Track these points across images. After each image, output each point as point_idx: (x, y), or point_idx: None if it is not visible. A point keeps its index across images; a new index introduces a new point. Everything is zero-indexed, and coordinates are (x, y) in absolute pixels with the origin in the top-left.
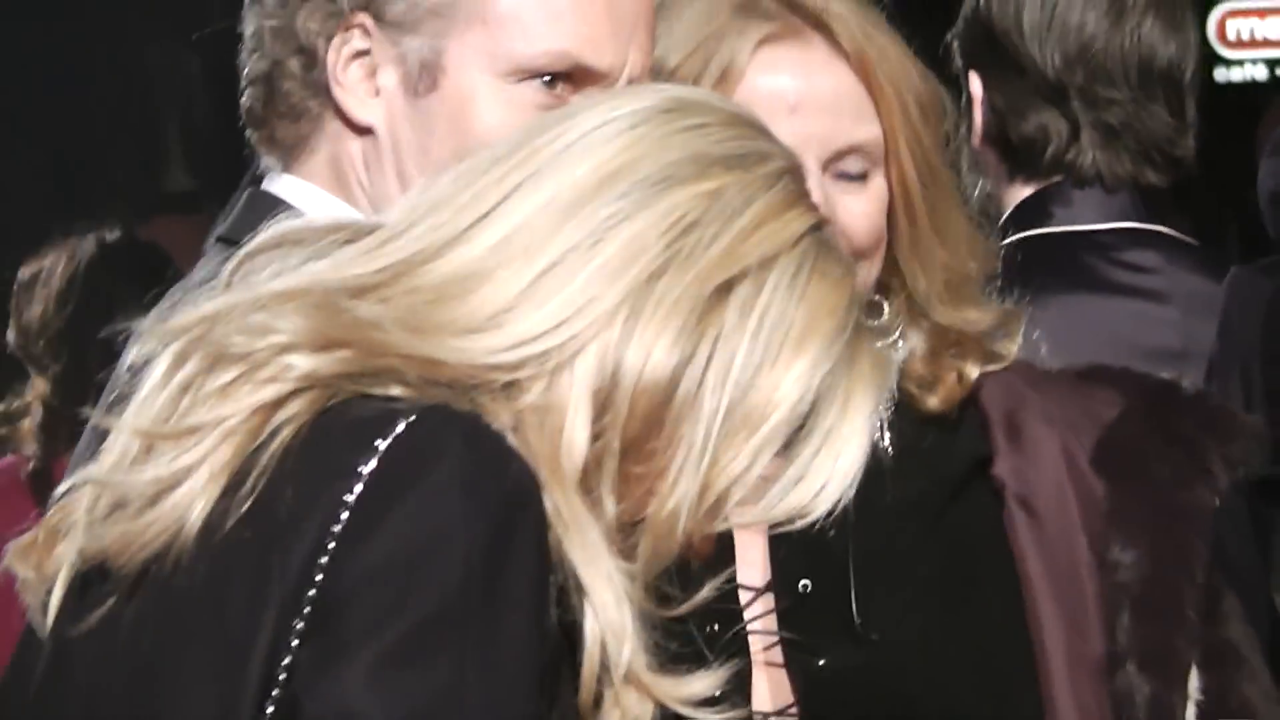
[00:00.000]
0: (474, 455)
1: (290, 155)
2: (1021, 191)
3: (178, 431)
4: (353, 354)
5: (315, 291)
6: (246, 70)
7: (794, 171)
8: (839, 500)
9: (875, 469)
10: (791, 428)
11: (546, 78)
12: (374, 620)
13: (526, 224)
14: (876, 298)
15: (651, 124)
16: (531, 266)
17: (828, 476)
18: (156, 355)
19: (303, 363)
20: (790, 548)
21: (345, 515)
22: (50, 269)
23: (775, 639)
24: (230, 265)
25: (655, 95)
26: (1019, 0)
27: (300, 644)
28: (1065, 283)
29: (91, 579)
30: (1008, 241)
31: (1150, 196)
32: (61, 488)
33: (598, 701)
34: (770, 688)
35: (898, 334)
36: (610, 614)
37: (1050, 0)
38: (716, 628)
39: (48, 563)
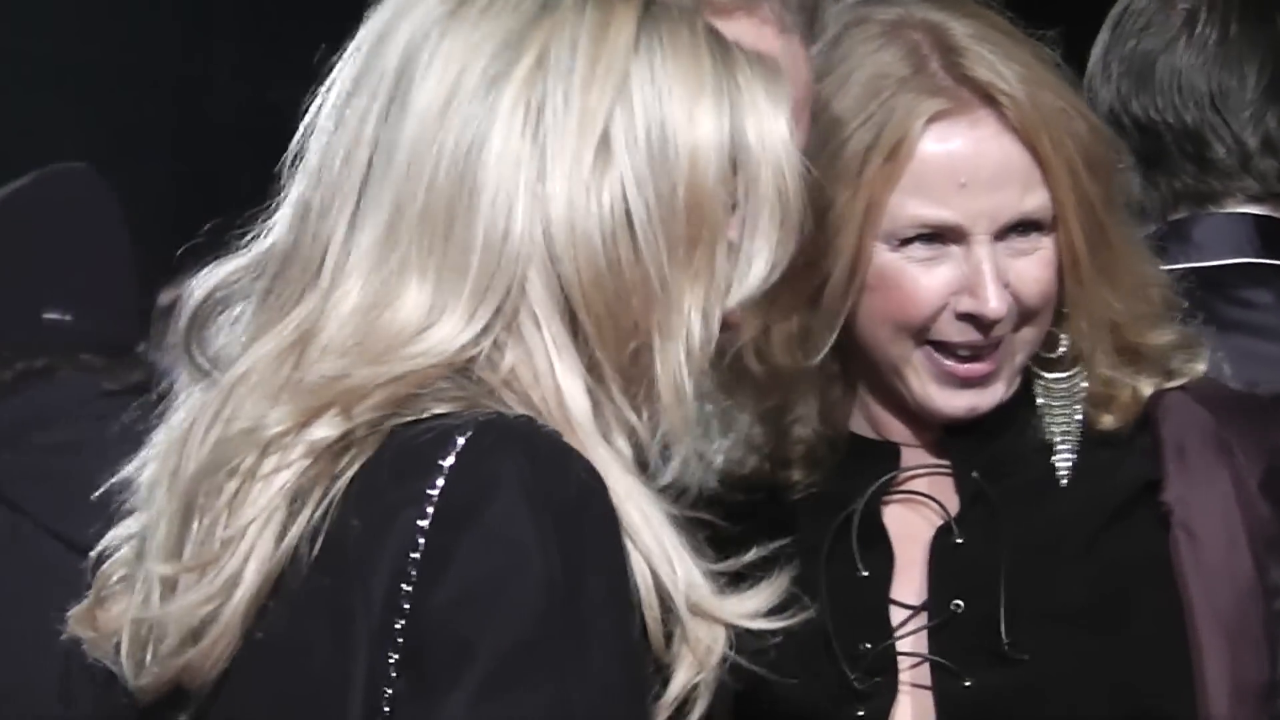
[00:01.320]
0: (534, 465)
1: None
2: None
3: (203, 560)
4: (339, 411)
5: (261, 373)
6: None
7: None
8: None
9: (1041, 487)
10: (724, 169)
11: None
12: (468, 647)
13: (398, 203)
14: (1052, 330)
15: (448, 36)
16: (429, 240)
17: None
18: (142, 491)
19: (303, 440)
20: (948, 565)
21: (421, 541)
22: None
23: (923, 659)
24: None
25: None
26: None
27: (397, 675)
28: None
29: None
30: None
31: (1270, 229)
32: (101, 548)
33: (669, 643)
34: (914, 707)
35: (1077, 369)
36: (652, 548)
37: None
38: (868, 645)
39: (106, 623)
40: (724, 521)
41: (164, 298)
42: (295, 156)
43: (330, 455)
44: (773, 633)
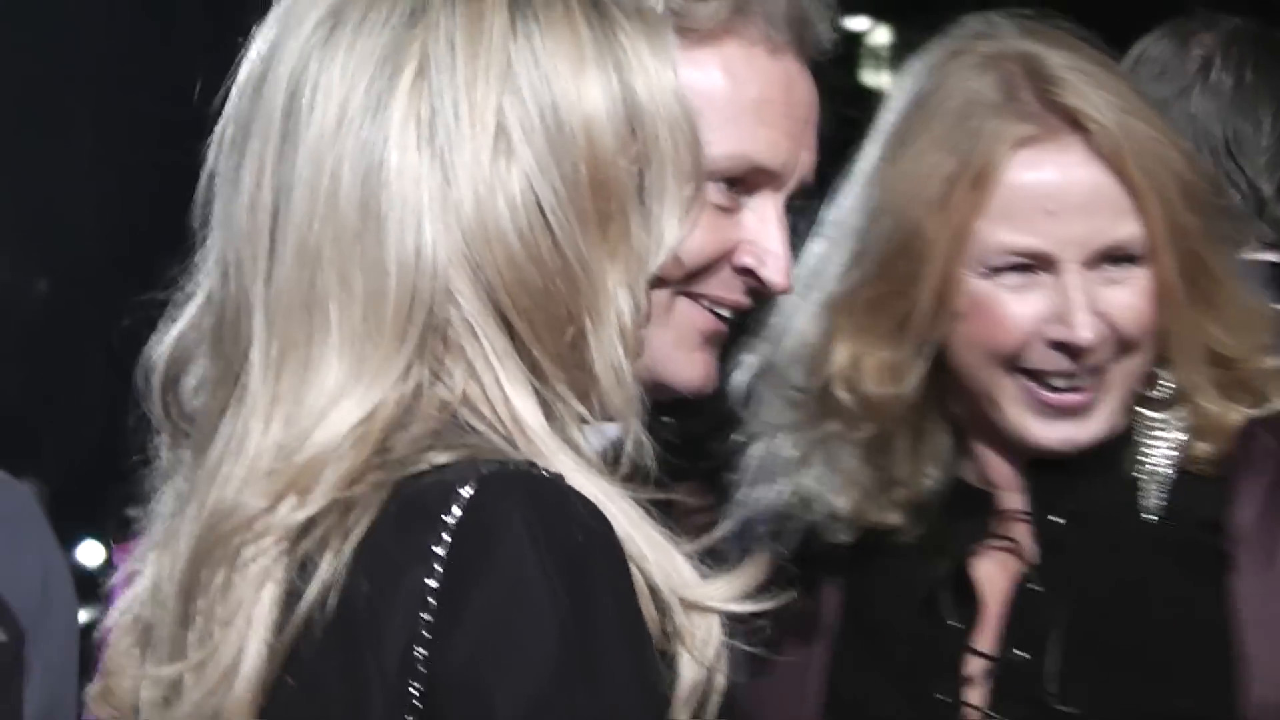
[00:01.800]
0: (538, 514)
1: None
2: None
3: (201, 658)
4: (299, 490)
5: (226, 453)
6: None
7: None
8: None
9: (1124, 529)
10: (622, 136)
11: (725, 181)
12: (487, 702)
13: (305, 243)
14: (1154, 368)
15: (326, 63)
16: (341, 275)
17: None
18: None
19: (275, 523)
20: (1023, 615)
21: (432, 601)
22: None
23: (982, 713)
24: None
25: (311, 21)
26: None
27: None
28: None
29: None
30: None
31: None
32: (112, 619)
33: (669, 640)
34: None
35: (1178, 408)
36: (639, 546)
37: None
38: (940, 697)
39: (122, 696)
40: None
41: None
42: (203, 204)
43: (332, 517)
44: (762, 614)
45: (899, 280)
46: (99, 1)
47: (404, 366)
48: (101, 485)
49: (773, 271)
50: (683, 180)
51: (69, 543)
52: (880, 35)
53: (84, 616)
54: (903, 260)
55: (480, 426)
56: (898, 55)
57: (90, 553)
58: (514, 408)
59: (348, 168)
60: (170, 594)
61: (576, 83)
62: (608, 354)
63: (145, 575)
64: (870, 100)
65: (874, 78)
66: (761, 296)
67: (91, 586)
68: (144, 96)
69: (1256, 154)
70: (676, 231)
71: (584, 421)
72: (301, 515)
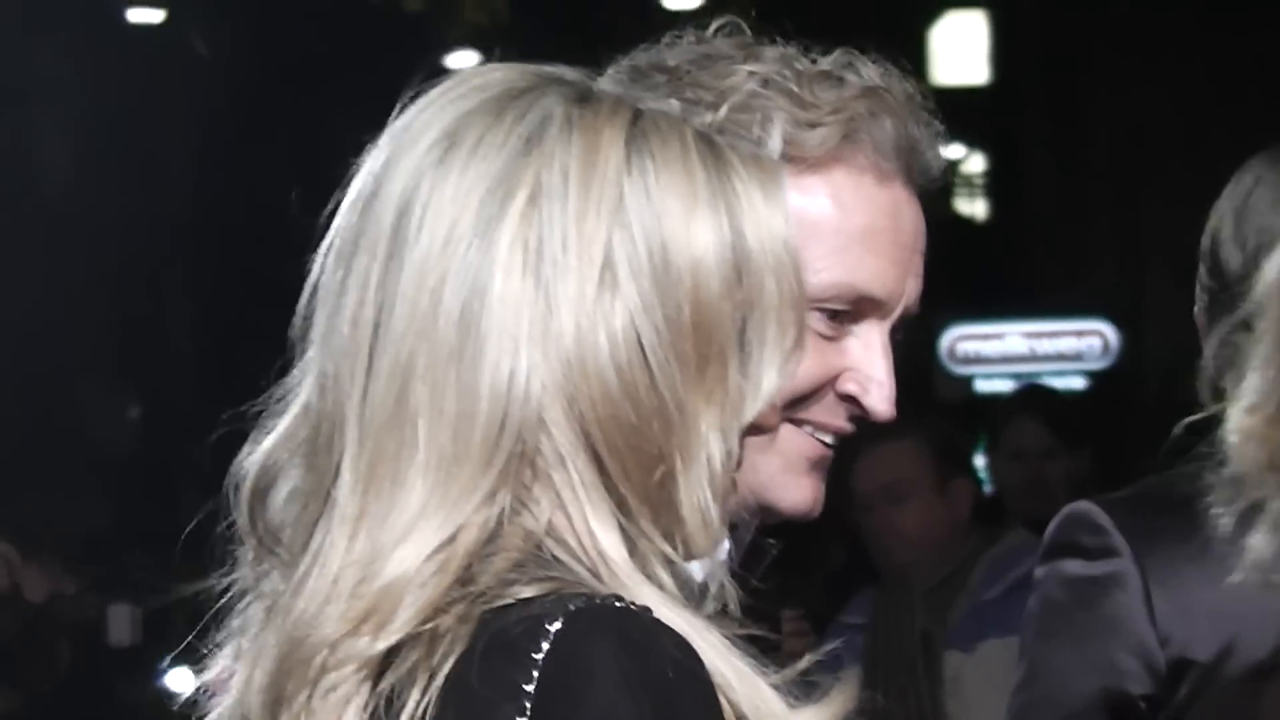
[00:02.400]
0: (628, 651)
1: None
2: None
3: None
4: (379, 620)
5: (313, 570)
6: None
7: (576, 101)
8: None
9: None
10: (728, 280)
11: (831, 310)
12: None
13: (401, 362)
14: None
15: (438, 185)
16: (434, 398)
17: None
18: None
19: (353, 652)
20: None
21: None
22: None
23: None
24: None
25: (425, 142)
26: (1219, 215)
27: None
28: None
29: None
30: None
31: None
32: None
33: None
34: None
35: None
36: (728, 678)
37: (1240, 206)
38: None
39: None
40: None
41: None
42: (304, 318)
43: (418, 650)
44: None
45: None
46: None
47: (489, 491)
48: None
49: (876, 400)
50: (784, 330)
51: (160, 669)
52: (975, 163)
53: None
54: None
55: (564, 557)
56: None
57: (180, 680)
58: (599, 541)
59: (450, 288)
60: (255, 710)
61: (687, 223)
62: (695, 495)
63: (231, 691)
64: (964, 227)
65: (968, 205)
66: (864, 422)
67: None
68: (233, 216)
69: None
70: (775, 380)
71: (668, 561)
72: (382, 645)
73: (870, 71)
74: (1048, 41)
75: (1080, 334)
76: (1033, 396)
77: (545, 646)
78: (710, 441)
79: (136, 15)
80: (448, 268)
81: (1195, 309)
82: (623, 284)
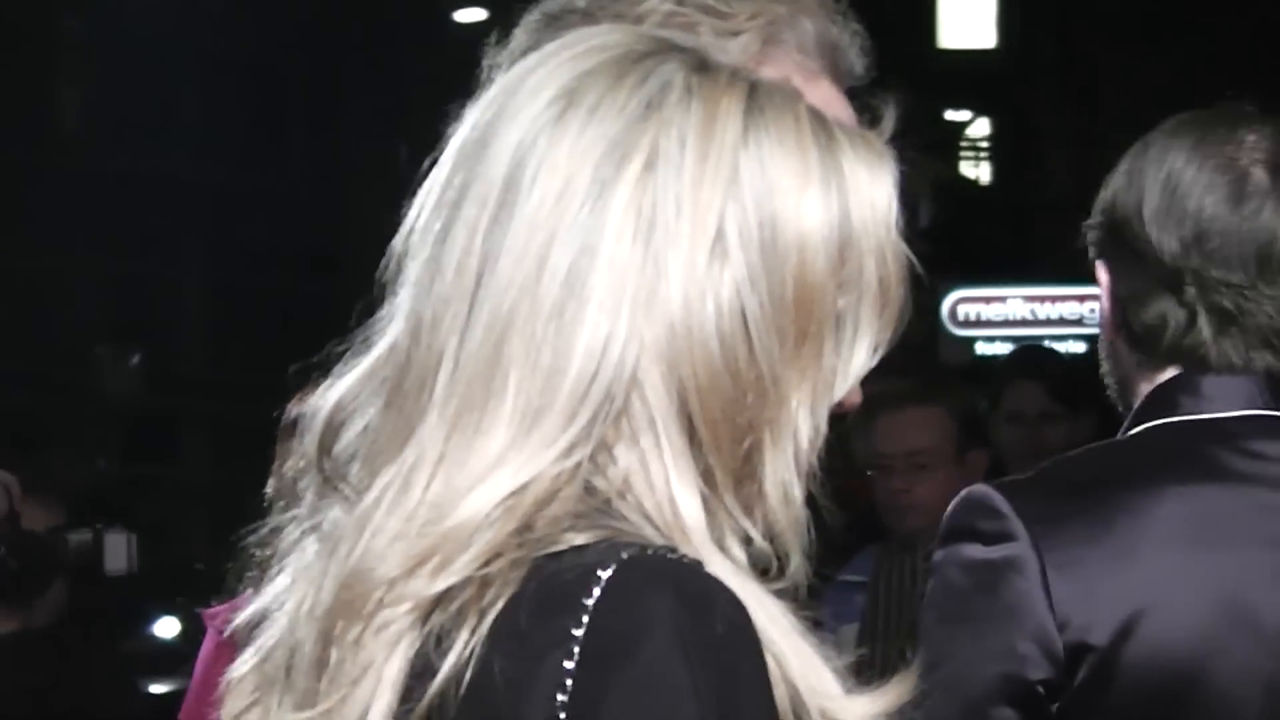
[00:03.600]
0: (684, 605)
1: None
2: (1152, 380)
3: (328, 709)
4: (440, 561)
5: (379, 507)
6: None
7: (695, 70)
8: None
9: None
10: (832, 259)
11: None
12: None
13: (502, 314)
14: None
15: (555, 143)
16: (533, 349)
17: None
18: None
19: (408, 592)
20: None
21: (569, 683)
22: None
23: None
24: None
25: (542, 100)
26: (1140, 187)
27: None
28: (1186, 471)
29: None
30: (1133, 431)
31: None
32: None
33: None
34: None
35: None
36: (786, 654)
37: (1170, 185)
38: None
39: None
40: None
41: (290, 412)
42: (396, 262)
43: (469, 591)
44: None
45: None
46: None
47: (568, 445)
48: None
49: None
50: (879, 312)
51: (150, 619)
52: (980, 127)
53: (162, 688)
54: None
55: (634, 518)
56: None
57: (166, 627)
58: (679, 507)
59: (559, 246)
60: (308, 637)
61: (798, 200)
62: (780, 471)
63: (280, 616)
64: (970, 189)
65: (973, 169)
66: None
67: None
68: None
69: None
70: (865, 360)
71: (746, 538)
72: (439, 586)
73: None
74: (1060, 6)
75: (1082, 298)
76: (1029, 359)
77: (596, 593)
78: (800, 418)
79: None
80: (558, 225)
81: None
82: (732, 255)
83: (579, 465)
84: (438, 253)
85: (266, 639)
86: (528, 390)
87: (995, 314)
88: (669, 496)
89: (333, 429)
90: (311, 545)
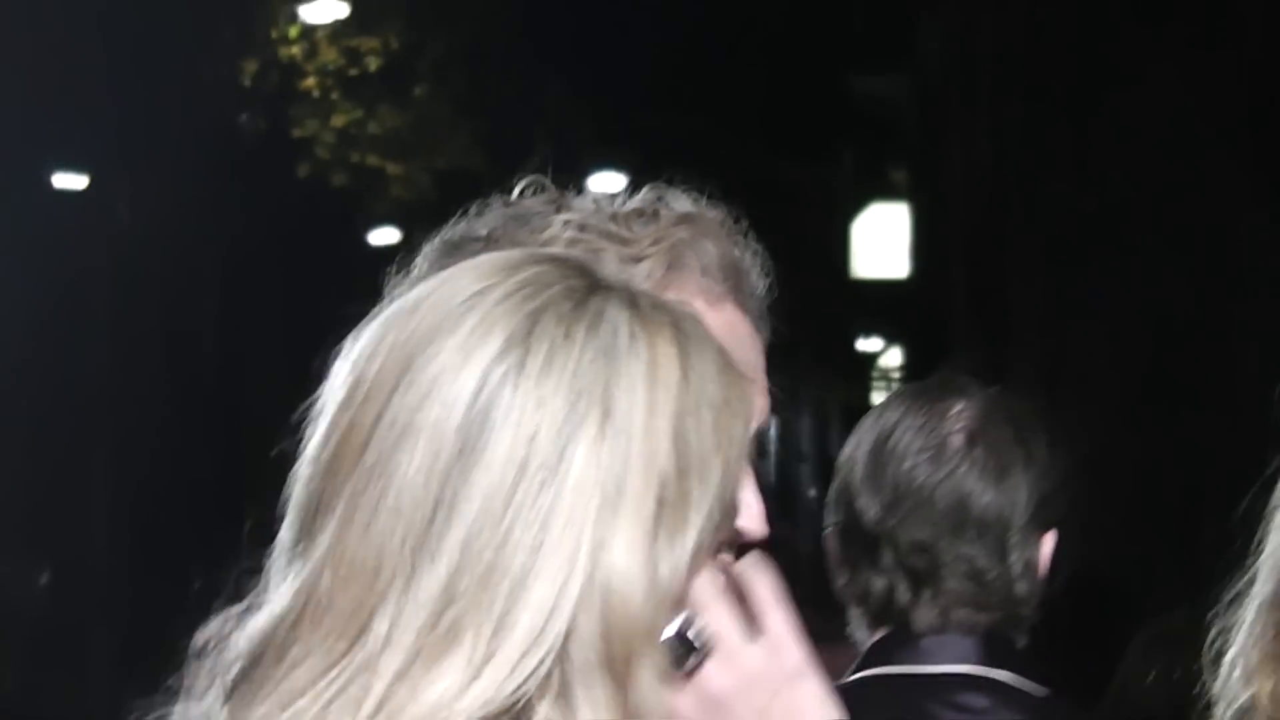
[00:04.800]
0: None
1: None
2: (873, 634)
3: None
4: None
5: None
6: None
7: (631, 304)
8: None
9: None
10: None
11: None
12: None
13: (462, 557)
14: None
15: (521, 394)
16: (489, 596)
17: None
18: None
19: None
20: None
21: None
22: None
23: None
24: None
25: (495, 347)
26: (854, 457)
27: None
28: None
29: None
30: (852, 679)
31: (997, 641)
32: None
33: None
34: None
35: None
36: None
37: (876, 452)
38: None
39: None
40: None
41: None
42: (315, 479)
43: None
44: None
45: None
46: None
47: (515, 687)
48: None
49: (749, 520)
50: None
51: None
52: (892, 357)
53: None
54: None
55: None
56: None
57: None
58: None
59: (525, 511)
60: None
61: (726, 425)
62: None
63: None
64: None
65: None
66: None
67: None
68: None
69: (1011, 533)
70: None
71: None
72: None
73: (682, 202)
74: (970, 234)
75: None
76: None
77: None
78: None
79: (61, 181)
80: (523, 489)
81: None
82: (667, 518)
83: (525, 704)
84: (377, 487)
85: None
86: (484, 638)
87: None
88: None
89: (247, 668)
90: None
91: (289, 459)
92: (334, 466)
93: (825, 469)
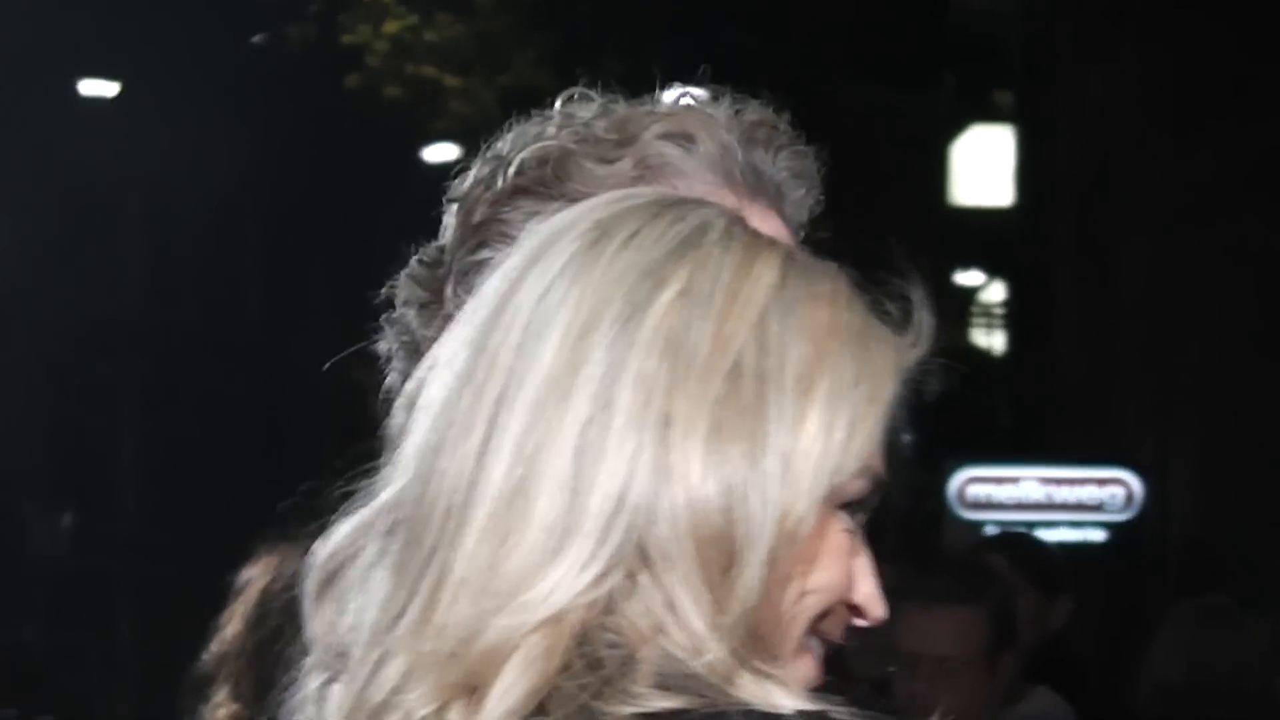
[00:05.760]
0: None
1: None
2: None
3: None
4: (478, 695)
5: (400, 640)
6: (382, 392)
7: (736, 221)
8: None
9: None
10: (834, 451)
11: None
12: None
13: (528, 434)
14: None
15: (587, 270)
16: (557, 471)
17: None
18: None
19: None
20: None
21: None
22: (252, 580)
23: None
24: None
25: (575, 232)
26: None
27: None
28: None
29: None
30: None
31: None
32: None
33: None
34: None
35: None
36: None
37: None
38: None
39: None
40: None
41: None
42: (409, 397)
43: None
44: None
45: None
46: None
47: (599, 572)
48: None
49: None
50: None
51: None
52: (994, 292)
53: None
54: None
55: (681, 655)
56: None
57: None
58: (712, 645)
59: (589, 364)
60: None
61: (819, 356)
62: (747, 586)
63: None
64: (981, 361)
65: (985, 338)
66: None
67: None
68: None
69: None
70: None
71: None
72: None
73: (720, 106)
74: (1081, 163)
75: (1102, 482)
76: (1005, 539)
77: None
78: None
79: (88, 88)
80: (589, 347)
81: None
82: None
83: (610, 596)
84: (454, 383)
85: None
86: (556, 506)
87: (1007, 496)
88: (702, 633)
89: (325, 585)
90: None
91: (334, 396)
92: (423, 378)
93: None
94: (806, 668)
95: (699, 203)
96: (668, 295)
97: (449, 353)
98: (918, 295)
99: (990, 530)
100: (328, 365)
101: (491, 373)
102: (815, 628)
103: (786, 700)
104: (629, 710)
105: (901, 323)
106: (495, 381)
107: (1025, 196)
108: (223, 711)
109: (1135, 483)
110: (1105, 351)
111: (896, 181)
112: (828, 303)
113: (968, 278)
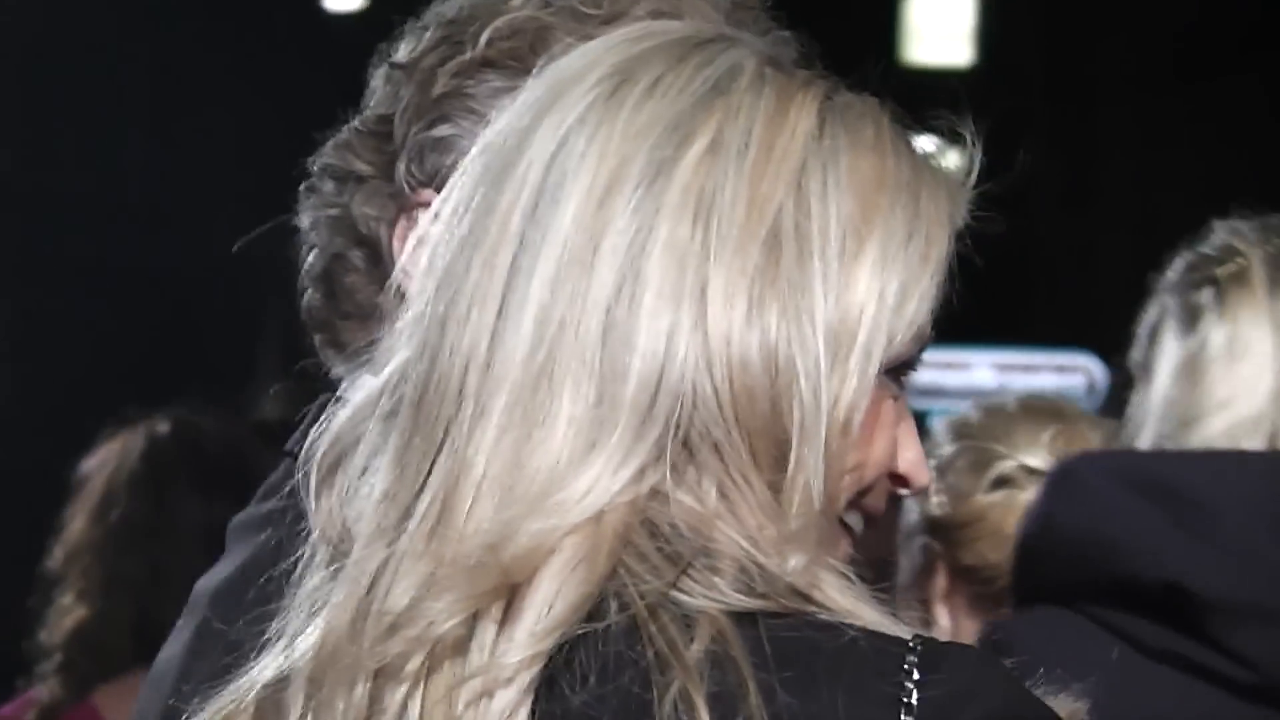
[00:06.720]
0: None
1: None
2: None
3: None
4: (508, 601)
5: (413, 543)
6: (305, 268)
7: (769, 61)
8: None
9: None
10: (885, 320)
11: None
12: None
13: (547, 306)
14: None
15: (606, 121)
16: (584, 348)
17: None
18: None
19: (479, 642)
20: None
21: None
22: (96, 469)
23: None
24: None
25: (593, 77)
26: None
27: None
28: None
29: None
30: None
31: None
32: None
33: None
34: None
35: None
36: None
37: None
38: None
39: None
40: None
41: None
42: (423, 266)
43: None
44: None
45: None
46: None
47: (639, 467)
48: None
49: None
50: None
51: None
52: (951, 159)
53: None
54: None
55: (738, 554)
56: None
57: None
58: (766, 545)
59: (612, 229)
60: (332, 694)
61: (864, 212)
62: (806, 476)
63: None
64: None
65: None
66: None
67: None
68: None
69: None
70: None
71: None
72: (545, 645)
73: None
74: (1048, 20)
75: (1061, 369)
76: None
77: (916, 693)
78: (834, 417)
79: None
80: (612, 208)
81: None
82: (785, 253)
83: (654, 492)
84: (462, 247)
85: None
86: (585, 396)
87: (956, 383)
88: (759, 529)
89: (330, 468)
90: (329, 611)
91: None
92: (428, 244)
93: None
94: (845, 549)
95: (729, 41)
96: (696, 150)
97: (450, 212)
98: (968, 129)
99: (936, 420)
100: (238, 245)
101: (503, 238)
102: (858, 502)
103: (870, 613)
104: (717, 606)
105: (942, 162)
106: (507, 248)
107: (986, 52)
108: (69, 619)
109: (1098, 369)
110: (1076, 221)
111: (853, 38)
112: (871, 149)
113: (922, 143)
